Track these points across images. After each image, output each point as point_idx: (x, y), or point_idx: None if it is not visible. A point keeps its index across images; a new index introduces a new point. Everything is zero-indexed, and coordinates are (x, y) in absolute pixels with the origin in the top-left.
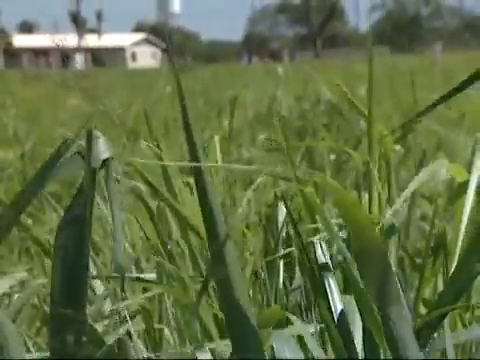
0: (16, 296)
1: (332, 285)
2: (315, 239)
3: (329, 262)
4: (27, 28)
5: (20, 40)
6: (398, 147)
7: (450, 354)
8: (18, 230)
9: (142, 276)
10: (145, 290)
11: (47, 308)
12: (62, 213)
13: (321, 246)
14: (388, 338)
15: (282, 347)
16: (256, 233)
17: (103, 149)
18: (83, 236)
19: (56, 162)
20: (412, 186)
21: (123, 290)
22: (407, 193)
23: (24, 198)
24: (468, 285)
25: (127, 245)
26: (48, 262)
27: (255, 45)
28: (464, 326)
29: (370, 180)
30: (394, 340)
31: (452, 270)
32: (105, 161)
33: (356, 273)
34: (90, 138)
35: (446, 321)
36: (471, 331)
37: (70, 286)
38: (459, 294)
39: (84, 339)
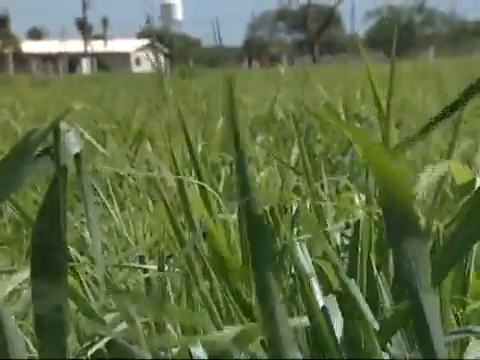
0: (25, 293)
1: (314, 286)
2: (296, 240)
3: (309, 263)
4: (36, 34)
5: (29, 46)
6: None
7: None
8: (26, 228)
9: (145, 267)
10: (148, 285)
11: None
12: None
13: (302, 248)
14: (416, 323)
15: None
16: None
17: (73, 142)
18: (60, 239)
19: (19, 160)
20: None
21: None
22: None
23: None
24: (446, 272)
25: (131, 242)
26: None
27: (255, 50)
28: (457, 322)
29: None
30: (423, 327)
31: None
32: (76, 155)
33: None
34: (58, 132)
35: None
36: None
37: (50, 294)
38: (438, 281)
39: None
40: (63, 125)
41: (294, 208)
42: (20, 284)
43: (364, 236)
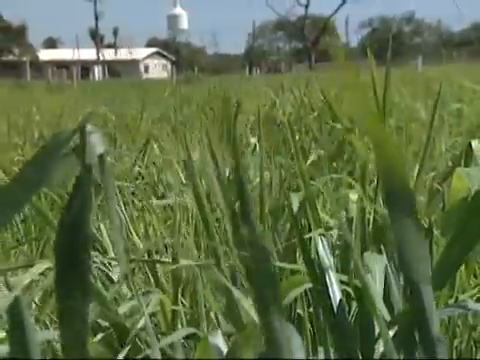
0: (40, 285)
1: (332, 279)
2: (315, 234)
3: (329, 257)
4: (51, 43)
5: (45, 54)
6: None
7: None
8: (41, 226)
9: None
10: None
11: None
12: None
13: (322, 241)
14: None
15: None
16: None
17: (97, 144)
18: (85, 234)
19: (46, 160)
20: None
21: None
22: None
23: (15, 200)
24: (451, 273)
25: (138, 240)
26: None
27: (255, 58)
28: None
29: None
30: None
31: (437, 259)
32: (100, 156)
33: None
34: (84, 133)
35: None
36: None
37: (74, 286)
38: (443, 283)
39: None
40: (89, 127)
41: (295, 207)
42: (33, 280)
43: (357, 231)
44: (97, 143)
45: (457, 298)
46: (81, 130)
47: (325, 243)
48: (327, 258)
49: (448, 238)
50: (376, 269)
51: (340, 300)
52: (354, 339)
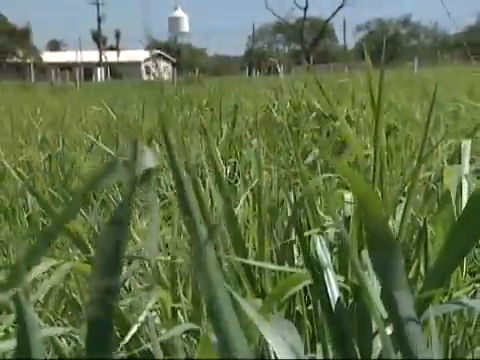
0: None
1: (331, 277)
2: (314, 233)
3: (328, 256)
4: (55, 46)
5: (49, 56)
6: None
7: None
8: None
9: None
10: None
11: (71, 293)
12: (85, 215)
13: (321, 240)
14: (392, 317)
15: (281, 330)
16: (259, 228)
17: (149, 160)
18: (123, 236)
19: (106, 173)
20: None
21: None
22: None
23: (73, 202)
24: (449, 274)
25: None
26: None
27: (255, 60)
28: None
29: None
30: (398, 320)
31: (435, 260)
32: (147, 170)
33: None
34: (136, 149)
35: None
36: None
37: (108, 281)
38: (441, 282)
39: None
40: (140, 144)
41: (291, 205)
42: (43, 274)
43: (353, 230)
44: (149, 159)
45: (451, 295)
46: (134, 145)
47: (323, 241)
48: (325, 256)
49: (443, 237)
50: None
51: (338, 298)
52: (352, 336)
